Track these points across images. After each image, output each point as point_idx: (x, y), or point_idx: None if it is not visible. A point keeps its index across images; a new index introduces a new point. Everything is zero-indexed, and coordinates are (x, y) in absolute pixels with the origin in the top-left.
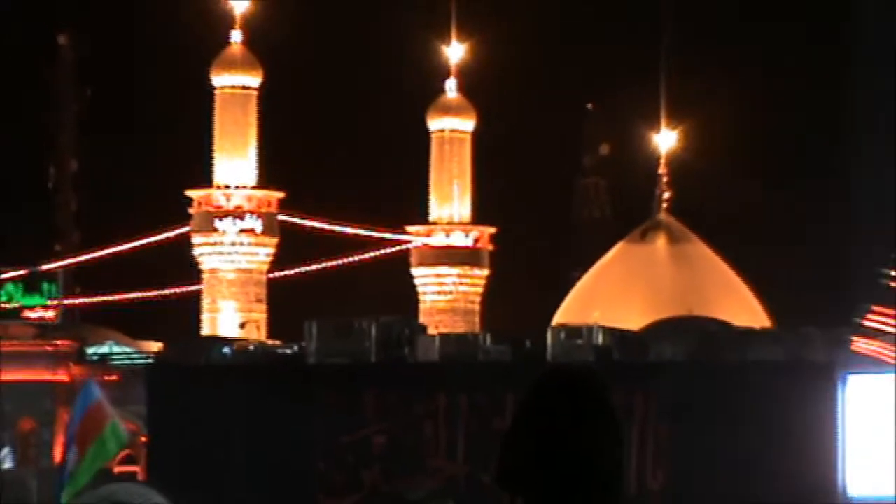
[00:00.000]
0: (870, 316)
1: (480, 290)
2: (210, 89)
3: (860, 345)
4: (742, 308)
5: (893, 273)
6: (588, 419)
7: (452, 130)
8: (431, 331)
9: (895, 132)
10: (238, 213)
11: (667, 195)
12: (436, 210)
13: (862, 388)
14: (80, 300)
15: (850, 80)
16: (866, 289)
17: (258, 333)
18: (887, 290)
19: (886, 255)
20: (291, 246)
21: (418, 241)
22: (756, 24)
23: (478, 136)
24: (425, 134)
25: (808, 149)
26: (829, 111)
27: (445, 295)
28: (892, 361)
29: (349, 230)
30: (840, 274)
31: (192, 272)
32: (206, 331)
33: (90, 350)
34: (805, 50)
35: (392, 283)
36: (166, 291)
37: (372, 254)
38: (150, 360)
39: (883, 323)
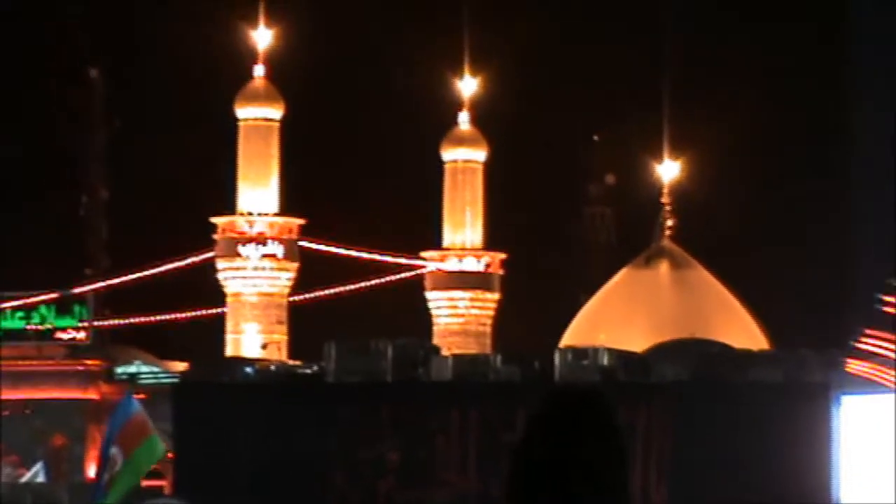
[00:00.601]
0: (864, 339)
1: (491, 312)
2: (234, 121)
3: (854, 367)
4: (741, 331)
5: (887, 298)
6: (596, 439)
7: (465, 161)
8: (445, 352)
9: (890, 164)
10: (260, 240)
11: (669, 223)
12: (449, 236)
13: (856, 408)
14: (110, 322)
15: (845, 110)
16: (861, 313)
17: (279, 354)
18: (881, 314)
19: (881, 281)
20: (311, 270)
21: (432, 266)
22: (754, 60)
23: (489, 166)
24: (439, 164)
25: (805, 178)
26: (825, 140)
27: (458, 317)
28: (886, 383)
29: (366, 255)
30: (835, 298)
31: (216, 295)
32: (229, 351)
33: (119, 369)
34: (800, 86)
35: (407, 306)
36: (192, 314)
37: (388, 278)
38: (177, 380)
39: (876, 346)
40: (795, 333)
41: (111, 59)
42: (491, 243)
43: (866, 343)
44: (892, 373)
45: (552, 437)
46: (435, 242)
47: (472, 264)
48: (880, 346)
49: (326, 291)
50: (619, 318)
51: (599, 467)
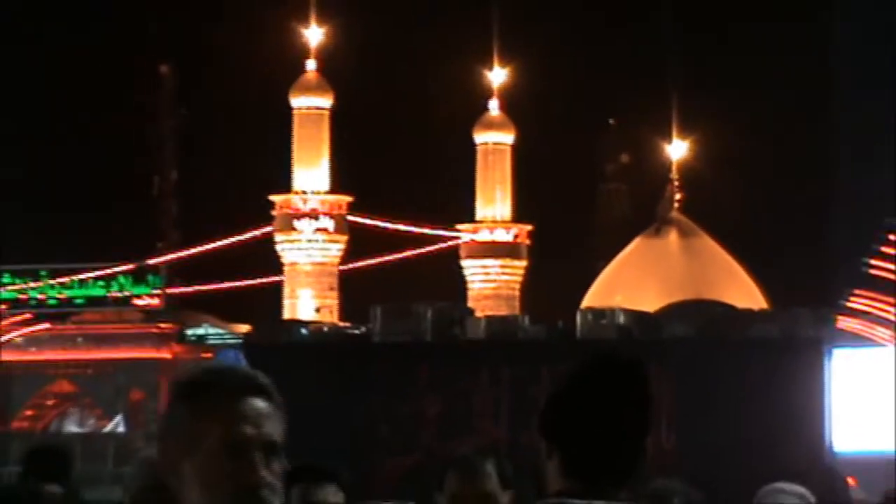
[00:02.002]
0: (852, 298)
1: (519, 278)
2: (289, 110)
3: (844, 323)
4: (742, 292)
5: (871, 261)
6: (635, 408)
7: (495, 143)
8: (478, 314)
9: (869, 147)
10: (313, 215)
11: (678, 197)
12: (481, 210)
13: (846, 360)
14: (181, 289)
15: (833, 90)
16: (849, 275)
17: (331, 317)
18: (867, 276)
19: (866, 245)
20: (358, 242)
21: (466, 237)
22: (753, 53)
23: (516, 148)
24: (472, 146)
25: (799, 155)
26: (815, 118)
27: (490, 283)
28: (872, 337)
29: (408, 228)
30: (827, 262)
31: (274, 265)
32: (286, 315)
33: (189, 332)
34: (791, 74)
35: (444, 273)
36: (253, 281)
37: (427, 248)
38: (240, 340)
39: (863, 304)
40: (791, 294)
41: (180, 56)
42: (519, 216)
43: (854, 302)
44: (878, 328)
45: (595, 400)
46: (469, 216)
47: (502, 235)
48: (867, 305)
49: (372, 261)
50: (634, 282)
51: (634, 434)
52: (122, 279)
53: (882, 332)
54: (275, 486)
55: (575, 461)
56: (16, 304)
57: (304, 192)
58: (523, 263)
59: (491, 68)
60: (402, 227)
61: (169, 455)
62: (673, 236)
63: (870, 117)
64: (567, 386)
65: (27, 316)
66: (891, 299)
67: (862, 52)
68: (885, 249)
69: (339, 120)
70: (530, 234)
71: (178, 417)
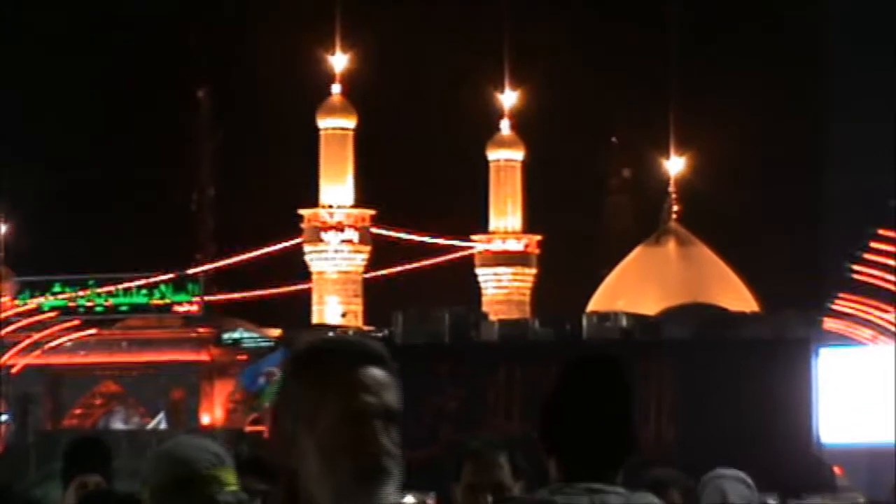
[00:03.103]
0: (837, 301)
1: (530, 284)
2: (316, 131)
3: (830, 324)
4: (736, 296)
5: (854, 268)
6: (615, 397)
7: (506, 160)
8: (492, 317)
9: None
10: (339, 227)
11: (675, 208)
12: (494, 222)
13: (831, 358)
14: (217, 297)
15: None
16: (834, 280)
17: (356, 321)
18: (851, 281)
19: (850, 254)
20: (381, 252)
21: (480, 247)
22: (746, 72)
23: (526, 165)
24: (485, 163)
25: (788, 170)
26: (809, 143)
27: (502, 289)
28: (856, 338)
29: (426, 239)
30: (814, 268)
31: (303, 274)
32: (315, 319)
33: (225, 335)
34: (782, 94)
35: (460, 280)
36: (284, 289)
37: (444, 257)
38: (272, 343)
39: (847, 307)
40: (781, 298)
41: (216, 82)
42: (528, 227)
43: (839, 305)
44: (861, 329)
45: (580, 394)
46: (482, 227)
47: (513, 245)
48: (850, 308)
49: (393, 269)
50: (635, 287)
51: (618, 420)
52: (163, 288)
53: (864, 333)
54: (395, 454)
55: (570, 455)
56: (66, 311)
57: (330, 207)
58: (533, 271)
59: (502, 91)
60: (421, 238)
61: (285, 428)
62: (671, 245)
63: (855, 137)
64: (555, 391)
65: (76, 322)
66: (872, 302)
67: (846, 73)
68: (867, 257)
69: (362, 140)
70: (539, 244)
71: (295, 390)
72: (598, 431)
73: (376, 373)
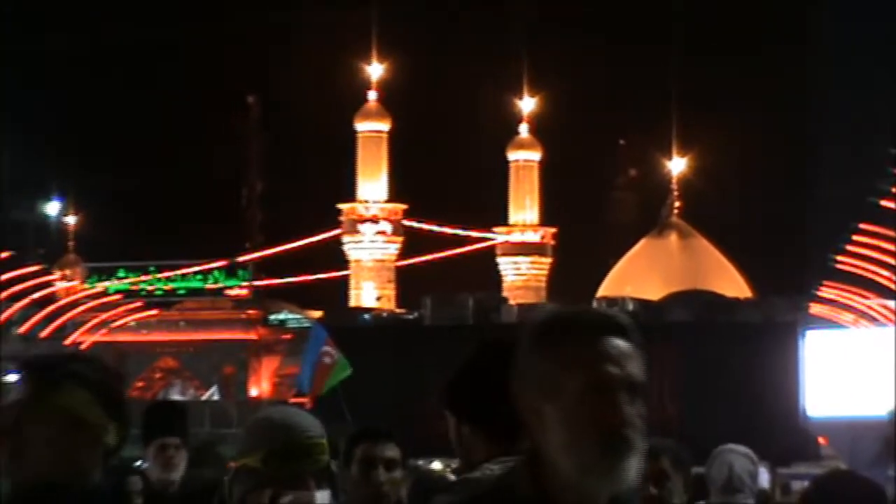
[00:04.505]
0: (822, 288)
1: (546, 272)
2: (354, 133)
3: (815, 309)
4: (731, 284)
5: (838, 258)
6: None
7: (525, 160)
8: (511, 302)
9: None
10: (374, 220)
11: (677, 204)
12: (513, 216)
13: (817, 340)
14: (265, 282)
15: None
16: (820, 269)
17: (389, 304)
18: (834, 269)
19: (834, 245)
20: (412, 242)
21: (501, 238)
22: (743, 81)
23: (543, 164)
24: (506, 163)
25: (779, 169)
26: (798, 144)
27: (521, 276)
28: (839, 321)
29: (453, 231)
30: (801, 258)
31: (342, 262)
32: (352, 303)
33: (272, 317)
34: (776, 101)
35: (483, 268)
36: (324, 275)
37: (469, 248)
38: (314, 324)
39: (831, 293)
40: (771, 285)
41: (264, 88)
42: (545, 221)
43: (824, 292)
44: (844, 314)
45: (498, 372)
46: (503, 220)
47: (531, 236)
48: (834, 294)
49: (423, 258)
50: (640, 275)
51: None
52: (216, 273)
53: (847, 317)
54: (639, 425)
55: (492, 427)
56: (129, 294)
57: (366, 201)
58: (548, 260)
59: (521, 98)
60: (448, 230)
61: (527, 399)
62: (673, 237)
63: (839, 138)
64: (464, 369)
65: (139, 304)
66: (854, 289)
67: (837, 73)
68: (849, 249)
69: (396, 141)
70: (554, 236)
71: (536, 361)
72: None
73: (620, 343)
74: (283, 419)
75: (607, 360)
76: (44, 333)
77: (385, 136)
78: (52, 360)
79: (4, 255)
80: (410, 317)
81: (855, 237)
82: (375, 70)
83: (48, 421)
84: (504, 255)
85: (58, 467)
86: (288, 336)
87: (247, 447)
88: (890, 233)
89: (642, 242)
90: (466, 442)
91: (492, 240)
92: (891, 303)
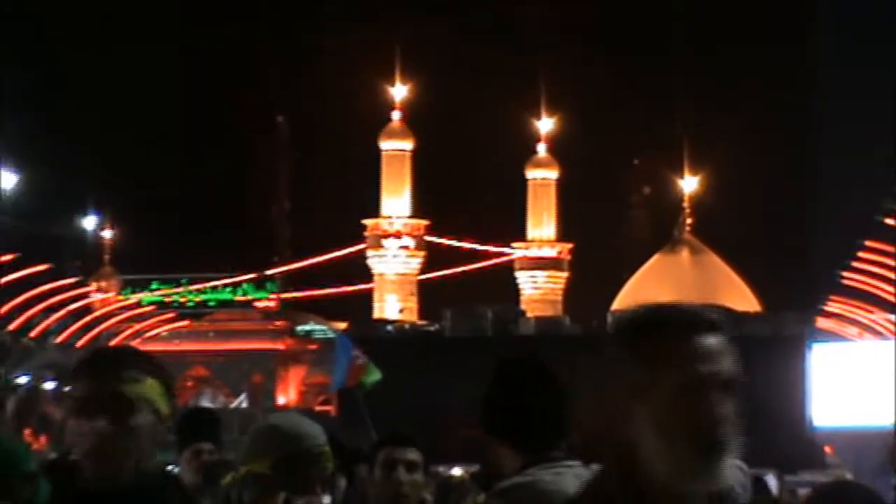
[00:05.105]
0: (829, 303)
1: (562, 286)
2: (378, 151)
3: (822, 323)
4: (741, 298)
5: (844, 274)
6: (554, 393)
7: (542, 178)
8: (529, 315)
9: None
10: (397, 235)
11: (689, 222)
12: (531, 232)
13: (823, 353)
14: (292, 295)
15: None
16: (826, 284)
17: (411, 316)
18: (840, 285)
19: (840, 262)
20: (434, 257)
21: (520, 253)
22: (749, 105)
23: (560, 182)
24: (524, 181)
25: (787, 188)
26: (806, 164)
27: (538, 290)
28: (844, 335)
29: (473, 246)
30: (809, 274)
31: (366, 275)
32: (376, 314)
33: (298, 328)
34: (784, 116)
35: (502, 281)
36: (349, 288)
37: (488, 262)
38: (339, 335)
39: (837, 308)
40: (780, 299)
41: (292, 109)
42: (561, 237)
43: (831, 306)
44: (849, 327)
45: (521, 391)
46: (521, 236)
47: (548, 252)
48: (840, 309)
49: (444, 272)
50: (653, 289)
51: (558, 409)
52: (245, 286)
53: (852, 330)
54: (733, 424)
55: (523, 440)
56: (162, 306)
57: (390, 217)
58: (565, 274)
59: (539, 118)
60: (468, 245)
61: (616, 399)
62: (685, 253)
63: (847, 155)
64: (494, 387)
65: (171, 315)
66: (859, 304)
67: (842, 95)
68: (855, 265)
69: (419, 159)
70: (571, 251)
71: (626, 361)
72: (545, 419)
73: (713, 341)
74: (291, 427)
75: (701, 358)
76: (80, 343)
77: (408, 154)
78: (127, 351)
79: (43, 267)
80: (432, 328)
81: (860, 254)
82: (399, 91)
83: (128, 409)
84: (522, 269)
85: (137, 456)
86: (314, 346)
87: (254, 454)
88: (893, 249)
89: (655, 258)
90: (498, 453)
91: (510, 255)
92: (894, 317)
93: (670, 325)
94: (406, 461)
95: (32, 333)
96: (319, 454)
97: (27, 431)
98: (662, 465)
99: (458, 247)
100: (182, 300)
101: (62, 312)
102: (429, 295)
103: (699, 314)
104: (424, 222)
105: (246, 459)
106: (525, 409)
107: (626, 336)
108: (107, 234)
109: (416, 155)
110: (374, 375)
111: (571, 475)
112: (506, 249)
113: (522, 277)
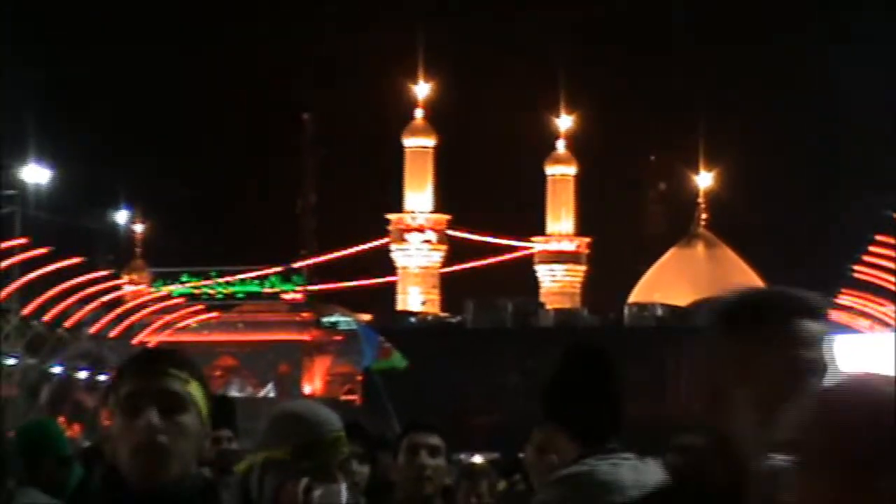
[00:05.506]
0: (840, 296)
1: (580, 279)
2: (402, 148)
3: (833, 315)
4: None
5: (855, 268)
6: (611, 376)
7: (561, 174)
8: (548, 307)
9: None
10: (420, 229)
11: (704, 217)
12: (550, 226)
13: (835, 344)
14: (318, 287)
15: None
16: (838, 278)
17: (433, 308)
18: (852, 279)
19: (852, 255)
20: (455, 250)
21: (539, 247)
22: (763, 104)
23: (578, 178)
24: (543, 177)
25: (801, 184)
26: (820, 160)
27: (557, 283)
28: (856, 327)
29: (494, 240)
30: (821, 267)
31: (389, 268)
32: (399, 306)
33: (324, 319)
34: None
35: (522, 274)
36: (373, 281)
37: (508, 256)
38: (364, 326)
39: (849, 301)
40: None
41: (318, 107)
42: (580, 231)
43: (842, 299)
44: (860, 319)
45: (582, 381)
46: (541, 230)
47: (566, 245)
48: (852, 301)
49: (466, 265)
50: (669, 282)
51: (616, 400)
52: (273, 279)
53: (863, 323)
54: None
55: (582, 430)
56: (192, 298)
57: (413, 212)
58: (583, 268)
59: (558, 116)
60: (489, 239)
61: (714, 382)
62: (700, 247)
63: (861, 157)
64: (555, 376)
65: (200, 307)
66: (871, 297)
67: (853, 93)
68: (866, 259)
69: (441, 156)
70: (589, 245)
71: (729, 344)
72: (603, 410)
73: (812, 326)
74: (309, 414)
75: (800, 343)
76: (113, 333)
77: (431, 151)
78: (173, 351)
79: (77, 260)
80: (453, 320)
81: (871, 248)
82: (422, 90)
83: (178, 406)
84: (541, 262)
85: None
86: (339, 337)
87: (272, 441)
88: None
89: (671, 252)
90: (558, 442)
91: (530, 248)
92: None
93: (773, 308)
94: (429, 446)
95: (66, 324)
96: (337, 439)
97: (61, 419)
98: (761, 449)
99: (479, 241)
100: (211, 292)
101: (95, 304)
102: (450, 287)
103: (801, 299)
104: (446, 217)
105: (264, 447)
106: (586, 399)
107: (731, 319)
108: (138, 228)
109: (439, 152)
110: (402, 362)
111: (628, 467)
112: (525, 243)
113: (542, 270)
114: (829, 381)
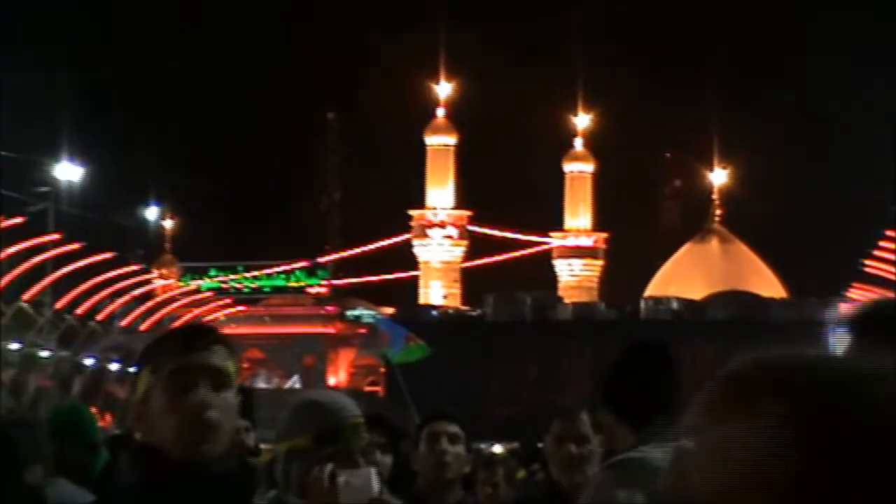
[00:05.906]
0: (851, 290)
1: (597, 274)
2: (424, 146)
3: (845, 309)
4: (768, 285)
5: (866, 262)
6: (670, 371)
7: (579, 172)
8: (566, 301)
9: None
10: (442, 225)
11: (718, 212)
12: (568, 222)
13: (846, 338)
14: (342, 281)
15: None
16: (850, 272)
17: (455, 302)
18: (863, 272)
19: (863, 250)
20: (476, 246)
21: (557, 242)
22: (778, 98)
23: (596, 175)
24: (561, 174)
25: (813, 180)
26: (831, 157)
27: (575, 277)
28: None
29: (514, 235)
30: (833, 262)
31: (412, 263)
32: (421, 300)
33: (348, 313)
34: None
35: (540, 269)
36: (396, 275)
37: (528, 251)
38: (383, 320)
39: (860, 295)
40: (805, 286)
41: (343, 106)
42: (597, 226)
43: (853, 293)
44: None
45: (643, 374)
46: (559, 226)
47: (584, 241)
48: (863, 295)
49: (486, 260)
50: (684, 277)
51: (672, 390)
52: (298, 273)
53: None
54: None
55: (640, 419)
56: (220, 292)
57: (434, 208)
58: (600, 262)
59: (576, 115)
60: (509, 234)
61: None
62: (714, 242)
63: (872, 154)
64: (617, 368)
65: (228, 300)
66: (881, 291)
67: (870, 96)
68: (876, 254)
69: (462, 153)
70: (606, 240)
71: (865, 350)
72: (660, 402)
73: None
74: (330, 401)
75: None
76: (143, 327)
77: (452, 148)
78: (211, 327)
79: (108, 255)
80: (474, 313)
81: (882, 243)
82: (444, 89)
83: (224, 382)
84: (559, 257)
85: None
86: (363, 330)
87: (295, 429)
88: None
89: (686, 247)
90: (615, 431)
91: (548, 244)
92: None
93: None
94: (449, 434)
95: (98, 317)
96: (357, 425)
97: (93, 410)
98: None
99: (499, 236)
100: (238, 286)
101: (126, 298)
102: (471, 282)
103: None
104: (467, 213)
105: (286, 436)
106: (645, 390)
107: (863, 328)
108: (168, 224)
109: (460, 149)
110: (425, 352)
111: None
112: (544, 239)
113: (560, 265)
114: None
